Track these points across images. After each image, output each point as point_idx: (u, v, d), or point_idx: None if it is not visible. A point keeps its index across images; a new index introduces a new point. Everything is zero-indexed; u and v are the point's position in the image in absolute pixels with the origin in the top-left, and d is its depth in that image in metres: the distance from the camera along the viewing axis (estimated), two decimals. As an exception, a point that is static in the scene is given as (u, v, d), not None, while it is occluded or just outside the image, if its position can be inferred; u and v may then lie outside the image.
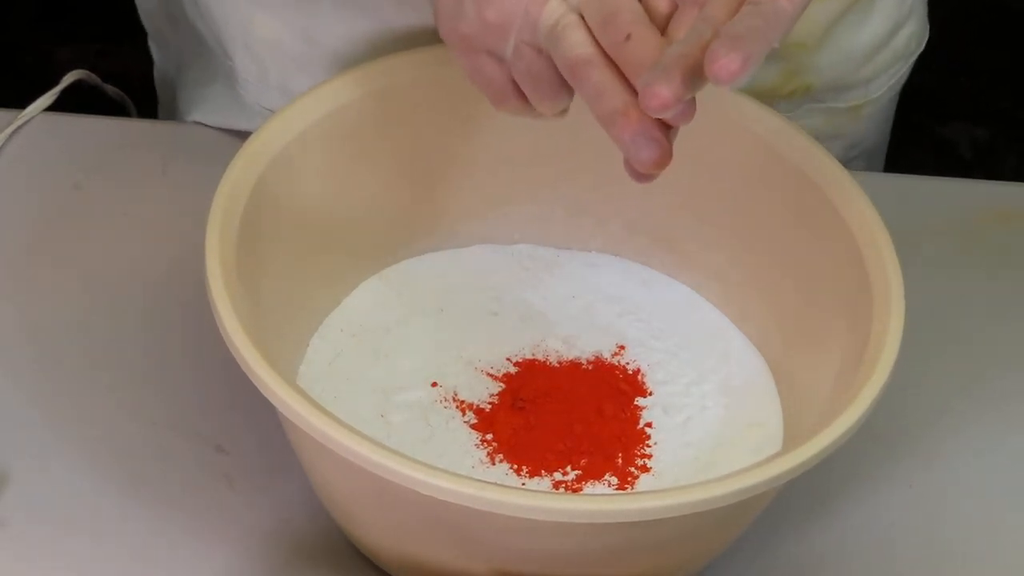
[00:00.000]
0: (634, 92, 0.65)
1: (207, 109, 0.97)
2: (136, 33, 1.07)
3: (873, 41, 0.95)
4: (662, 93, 0.62)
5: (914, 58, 0.99)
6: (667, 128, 0.65)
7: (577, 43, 0.67)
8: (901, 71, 0.99)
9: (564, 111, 0.72)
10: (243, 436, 0.81)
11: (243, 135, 0.94)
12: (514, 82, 0.71)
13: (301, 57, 0.91)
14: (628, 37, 0.66)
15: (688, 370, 0.82)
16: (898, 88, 1.00)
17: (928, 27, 1.00)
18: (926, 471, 0.83)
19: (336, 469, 0.71)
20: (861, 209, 0.77)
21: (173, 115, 1.04)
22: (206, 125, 0.97)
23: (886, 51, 0.96)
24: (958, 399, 0.86)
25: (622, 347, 0.83)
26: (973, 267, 0.93)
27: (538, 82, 0.70)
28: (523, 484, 0.76)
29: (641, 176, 0.66)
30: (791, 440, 0.78)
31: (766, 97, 0.84)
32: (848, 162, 0.99)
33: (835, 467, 0.73)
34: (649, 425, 0.79)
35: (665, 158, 0.65)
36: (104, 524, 0.78)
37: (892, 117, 1.03)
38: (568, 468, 0.77)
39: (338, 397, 0.79)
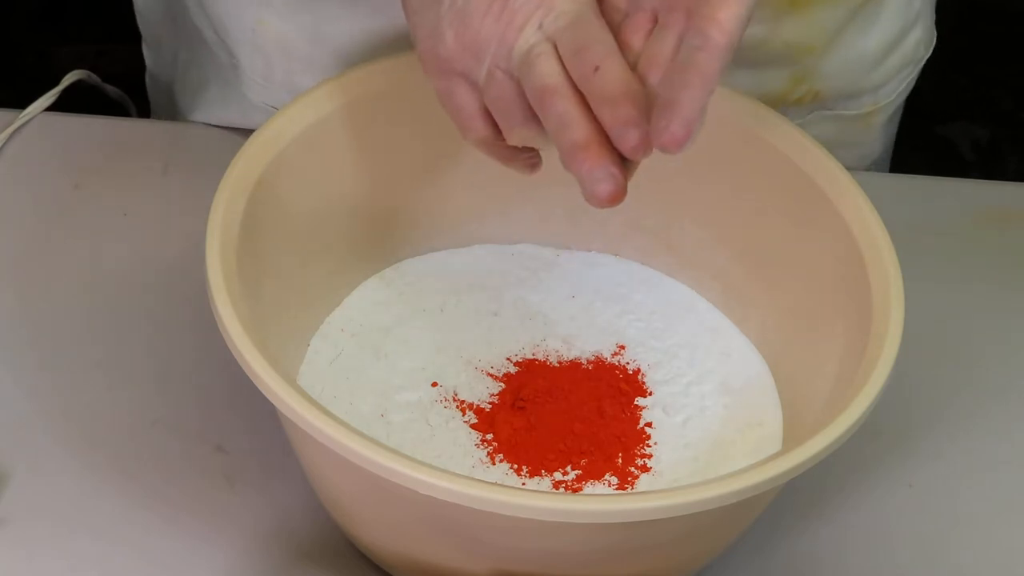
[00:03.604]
0: (598, 125, 0.66)
1: (205, 111, 0.97)
2: (136, 33, 1.07)
3: (881, 46, 0.95)
4: (632, 138, 0.65)
5: (922, 64, 0.99)
6: (624, 162, 0.66)
7: (547, 72, 0.68)
8: (910, 77, 0.99)
9: (536, 164, 0.74)
10: (243, 436, 0.81)
11: (243, 133, 0.94)
12: (485, 109, 0.71)
13: (308, 56, 0.91)
14: (597, 69, 0.67)
15: (688, 370, 0.82)
16: (905, 95, 1.00)
17: (935, 33, 1.00)
18: (926, 471, 0.83)
19: (336, 469, 0.71)
20: (861, 209, 0.77)
21: (170, 118, 1.04)
22: (207, 124, 0.97)
23: (895, 55, 0.96)
24: (958, 398, 0.86)
25: (622, 347, 0.83)
26: (973, 267, 0.93)
27: (509, 109, 0.70)
28: (523, 484, 0.76)
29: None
30: (791, 440, 0.78)
31: (774, 104, 0.84)
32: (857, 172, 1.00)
33: (835, 467, 0.73)
34: (649, 425, 0.79)
35: (620, 193, 0.66)
36: (104, 524, 0.78)
37: (898, 125, 1.03)
38: (568, 468, 0.77)
39: (338, 397, 0.79)
